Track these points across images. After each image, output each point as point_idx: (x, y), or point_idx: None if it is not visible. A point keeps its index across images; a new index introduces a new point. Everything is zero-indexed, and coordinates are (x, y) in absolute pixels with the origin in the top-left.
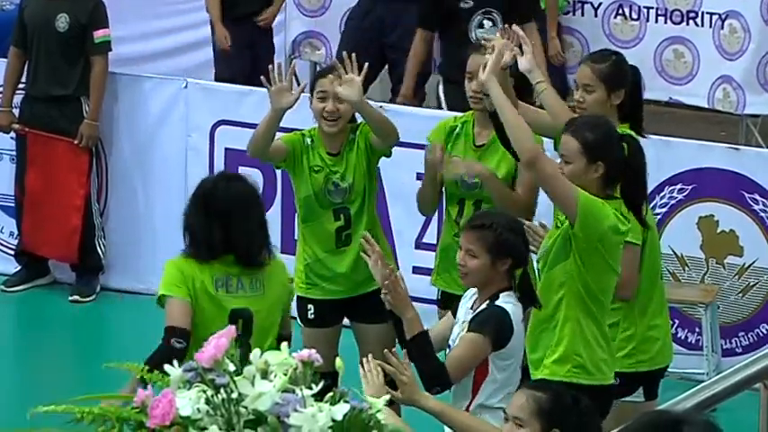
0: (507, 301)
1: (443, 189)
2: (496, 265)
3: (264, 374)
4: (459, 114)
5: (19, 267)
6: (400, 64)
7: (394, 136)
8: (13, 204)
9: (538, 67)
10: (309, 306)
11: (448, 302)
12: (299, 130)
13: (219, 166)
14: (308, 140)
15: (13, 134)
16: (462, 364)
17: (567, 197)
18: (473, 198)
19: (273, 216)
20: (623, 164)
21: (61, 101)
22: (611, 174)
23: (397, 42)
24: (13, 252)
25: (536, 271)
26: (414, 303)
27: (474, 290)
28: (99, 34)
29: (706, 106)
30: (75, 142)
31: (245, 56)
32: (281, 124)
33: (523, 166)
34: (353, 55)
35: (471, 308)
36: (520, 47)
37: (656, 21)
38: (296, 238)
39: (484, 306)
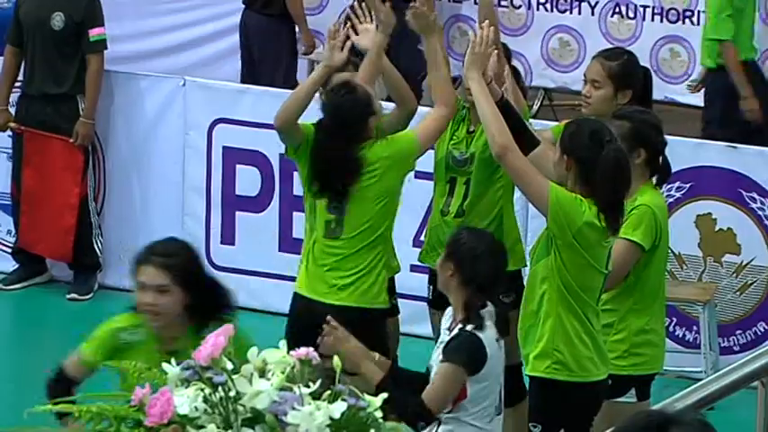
0: (481, 325)
1: (434, 168)
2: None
3: (262, 373)
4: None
5: (17, 265)
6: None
7: (410, 102)
8: (9, 202)
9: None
10: None
11: (438, 300)
12: None
13: (217, 164)
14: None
15: (9, 132)
16: (442, 396)
17: (538, 192)
18: (465, 176)
19: (271, 214)
20: (591, 166)
21: (57, 99)
22: (581, 172)
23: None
24: (10, 250)
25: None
26: (411, 302)
27: (451, 309)
28: (94, 33)
29: (701, 105)
30: (71, 141)
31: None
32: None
33: (495, 159)
34: (363, 5)
35: (448, 328)
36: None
37: (653, 19)
38: (294, 236)
39: (456, 331)
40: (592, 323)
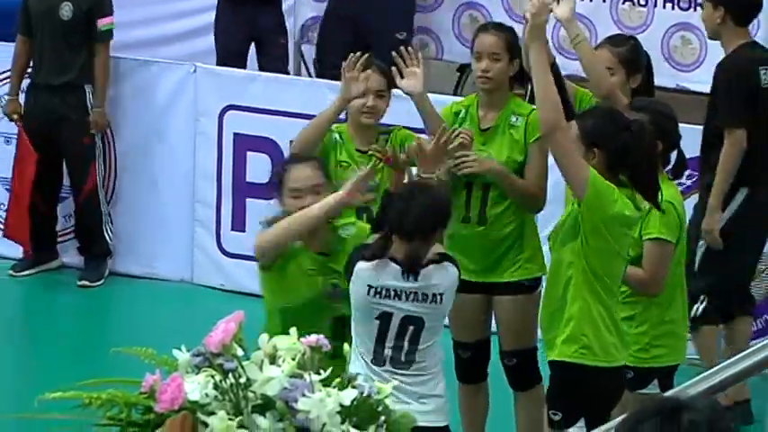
0: (370, 256)
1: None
2: None
3: (273, 359)
4: (461, 99)
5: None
6: (377, 48)
7: None
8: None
9: (575, 20)
10: None
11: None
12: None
13: (228, 151)
14: (336, 136)
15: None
16: None
17: (578, 174)
18: (481, 180)
19: None
20: (623, 152)
21: (64, 89)
22: (610, 162)
23: (372, 26)
24: None
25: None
26: None
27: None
28: (104, 22)
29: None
30: (90, 131)
31: (242, 35)
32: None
33: (543, 136)
34: (410, 48)
35: None
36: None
37: (664, 7)
38: None
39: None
40: (615, 309)
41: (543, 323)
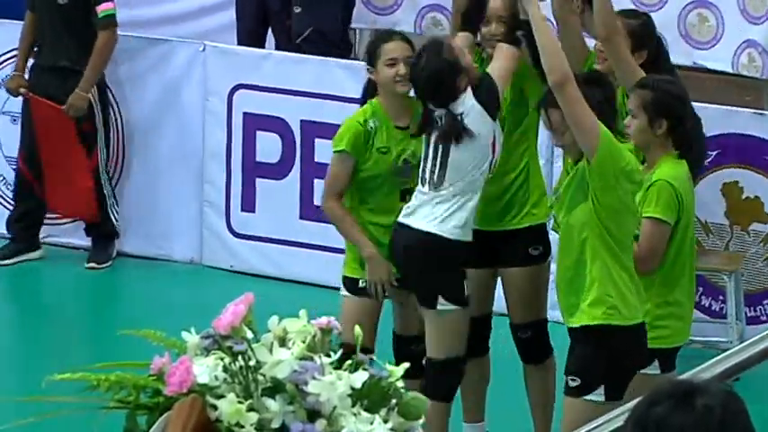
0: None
1: None
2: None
3: (282, 342)
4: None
5: (10, 237)
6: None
7: None
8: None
9: None
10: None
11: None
12: None
13: (237, 130)
14: (371, 124)
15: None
16: None
17: (589, 128)
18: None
19: (292, 181)
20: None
21: (64, 73)
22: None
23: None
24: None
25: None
26: None
27: None
28: (101, 9)
29: (730, 71)
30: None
31: (256, 16)
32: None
33: (552, 87)
34: None
35: None
36: None
37: None
38: (315, 203)
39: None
40: (631, 268)
41: (560, 292)
